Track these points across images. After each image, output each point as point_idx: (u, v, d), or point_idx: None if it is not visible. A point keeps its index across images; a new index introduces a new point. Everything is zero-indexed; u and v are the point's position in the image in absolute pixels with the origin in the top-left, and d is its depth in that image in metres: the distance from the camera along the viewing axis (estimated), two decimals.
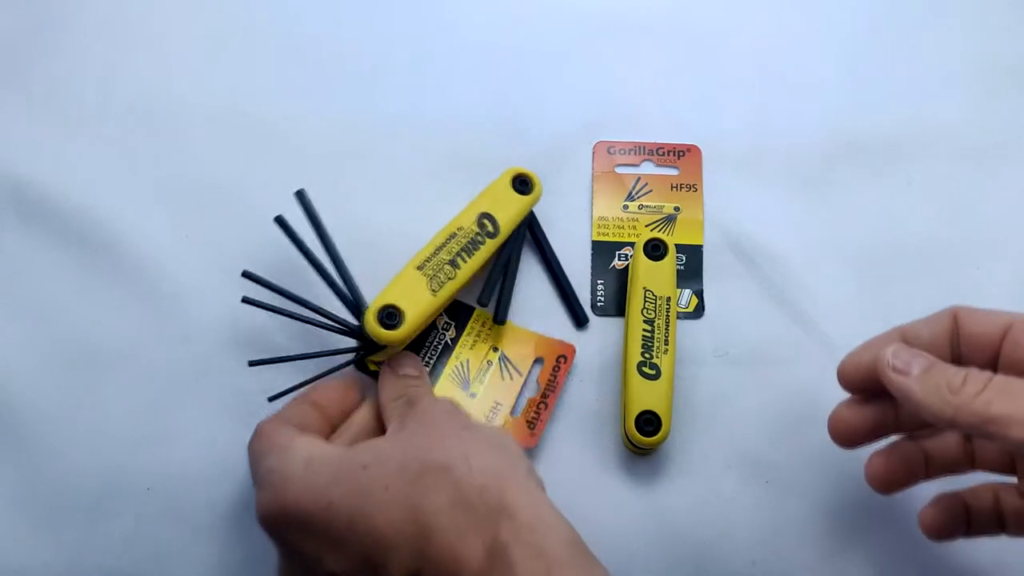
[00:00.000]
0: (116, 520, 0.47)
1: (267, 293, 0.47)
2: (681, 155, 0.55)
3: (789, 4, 0.60)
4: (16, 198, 0.52)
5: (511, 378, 0.50)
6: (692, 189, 0.55)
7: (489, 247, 0.49)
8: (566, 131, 0.56)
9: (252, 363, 0.47)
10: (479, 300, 0.50)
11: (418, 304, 0.46)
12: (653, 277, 0.50)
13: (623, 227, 0.54)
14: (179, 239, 0.52)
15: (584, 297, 0.53)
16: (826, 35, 0.59)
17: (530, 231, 0.53)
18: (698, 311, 0.52)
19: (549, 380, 0.50)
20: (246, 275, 0.47)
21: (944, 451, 0.43)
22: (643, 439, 0.46)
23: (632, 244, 0.53)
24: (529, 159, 0.54)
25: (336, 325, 0.47)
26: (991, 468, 0.43)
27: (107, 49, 0.56)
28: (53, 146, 0.54)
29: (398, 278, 0.47)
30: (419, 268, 0.47)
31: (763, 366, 0.51)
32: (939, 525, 0.43)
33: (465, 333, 0.51)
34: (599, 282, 0.53)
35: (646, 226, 0.53)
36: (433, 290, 0.47)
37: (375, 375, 0.49)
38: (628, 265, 0.53)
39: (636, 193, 0.54)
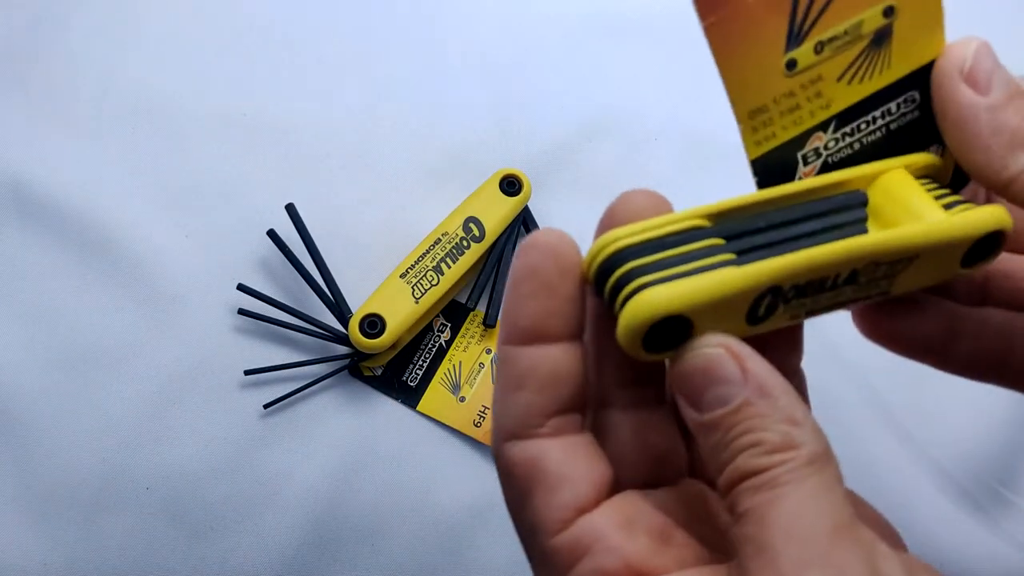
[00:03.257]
0: (115, 520, 0.47)
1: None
2: None
3: None
4: (16, 198, 0.52)
5: None
6: None
7: (475, 251, 0.49)
8: (564, 131, 0.56)
9: (248, 372, 0.48)
10: (467, 302, 0.50)
11: (400, 312, 0.47)
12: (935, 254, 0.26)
13: (799, 105, 0.27)
14: (179, 239, 0.52)
15: None
16: None
17: (526, 230, 0.53)
18: None
19: None
20: (241, 288, 0.49)
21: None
22: None
23: (825, 123, 0.28)
24: (528, 160, 0.55)
25: (327, 333, 0.48)
26: (974, 363, 0.31)
27: (107, 49, 0.57)
28: (53, 146, 0.54)
29: (382, 286, 0.48)
30: (402, 276, 0.48)
31: None
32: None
33: (460, 335, 0.51)
34: None
35: (838, 80, 0.27)
36: (416, 298, 0.47)
37: (369, 380, 0.49)
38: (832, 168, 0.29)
39: (805, 22, 0.26)
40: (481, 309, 0.51)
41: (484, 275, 0.50)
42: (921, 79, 0.28)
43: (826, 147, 0.28)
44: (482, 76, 0.58)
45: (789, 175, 0.28)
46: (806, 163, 0.28)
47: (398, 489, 0.48)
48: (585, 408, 0.26)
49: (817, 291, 0.25)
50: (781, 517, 0.22)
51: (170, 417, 0.49)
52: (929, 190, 0.27)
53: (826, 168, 0.28)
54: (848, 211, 0.27)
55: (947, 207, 0.26)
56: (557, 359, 0.25)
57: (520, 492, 0.25)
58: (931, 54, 0.28)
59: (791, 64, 0.26)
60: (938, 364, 0.31)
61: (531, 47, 0.59)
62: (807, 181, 0.27)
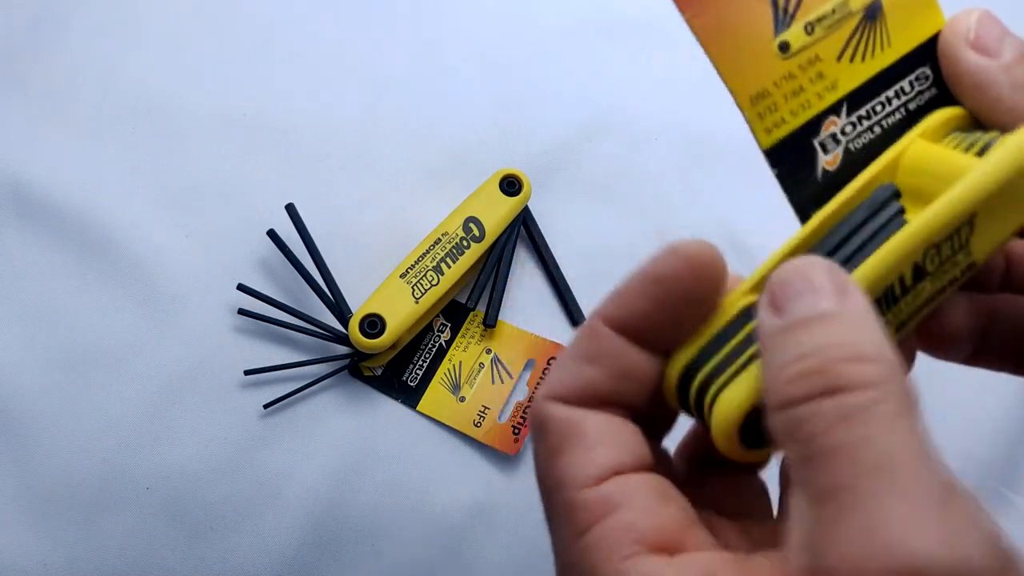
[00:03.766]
0: (115, 519, 0.47)
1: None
2: None
3: None
4: (16, 198, 0.52)
5: (501, 381, 0.50)
6: None
7: (475, 251, 0.49)
8: (564, 131, 0.56)
9: (248, 372, 0.48)
10: (467, 302, 0.50)
11: (400, 312, 0.47)
12: (1001, 197, 0.25)
13: (803, 88, 0.27)
14: (179, 239, 0.52)
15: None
16: None
17: (526, 230, 0.54)
18: None
19: (538, 383, 0.50)
20: (241, 288, 0.49)
21: None
22: None
23: (835, 106, 0.27)
24: (528, 160, 0.55)
25: (327, 333, 0.48)
26: (1004, 353, 0.30)
27: (107, 49, 0.56)
28: (53, 146, 0.54)
29: (382, 286, 0.48)
30: (402, 276, 0.48)
31: None
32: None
33: (460, 335, 0.51)
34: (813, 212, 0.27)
35: (838, 59, 0.27)
36: (416, 298, 0.47)
37: (369, 380, 0.49)
38: (857, 155, 0.28)
39: (788, 6, 0.26)
40: (481, 309, 0.51)
41: (484, 275, 0.50)
42: (929, 54, 0.28)
43: (843, 132, 0.27)
44: (482, 76, 0.58)
45: (809, 165, 0.27)
46: (826, 151, 0.27)
47: (398, 489, 0.48)
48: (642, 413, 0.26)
49: (890, 303, 0.24)
50: (863, 474, 0.19)
51: (170, 417, 0.49)
52: (956, 145, 0.26)
53: (848, 156, 0.27)
54: (882, 211, 0.26)
55: (981, 152, 0.25)
56: (639, 360, 0.25)
57: (554, 446, 0.24)
58: (931, 28, 0.27)
59: (784, 46, 0.26)
60: (972, 360, 0.30)
61: (531, 47, 0.59)
62: (832, 203, 0.26)
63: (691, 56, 0.27)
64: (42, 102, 0.55)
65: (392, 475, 0.48)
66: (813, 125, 0.27)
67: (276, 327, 0.50)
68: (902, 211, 0.26)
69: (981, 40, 0.26)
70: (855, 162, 0.28)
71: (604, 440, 0.24)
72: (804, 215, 0.27)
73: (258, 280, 0.51)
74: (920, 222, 0.24)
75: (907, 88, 0.28)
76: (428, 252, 0.49)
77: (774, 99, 0.27)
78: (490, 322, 0.50)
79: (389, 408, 0.50)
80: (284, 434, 0.49)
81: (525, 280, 0.53)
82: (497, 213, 0.50)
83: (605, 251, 0.54)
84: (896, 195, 0.26)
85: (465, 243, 0.49)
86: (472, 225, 0.50)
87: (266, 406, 0.48)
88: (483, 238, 0.50)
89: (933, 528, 0.19)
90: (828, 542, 0.20)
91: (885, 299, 0.24)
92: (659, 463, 0.25)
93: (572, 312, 0.52)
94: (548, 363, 0.50)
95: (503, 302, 0.52)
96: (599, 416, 0.25)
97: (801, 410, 0.21)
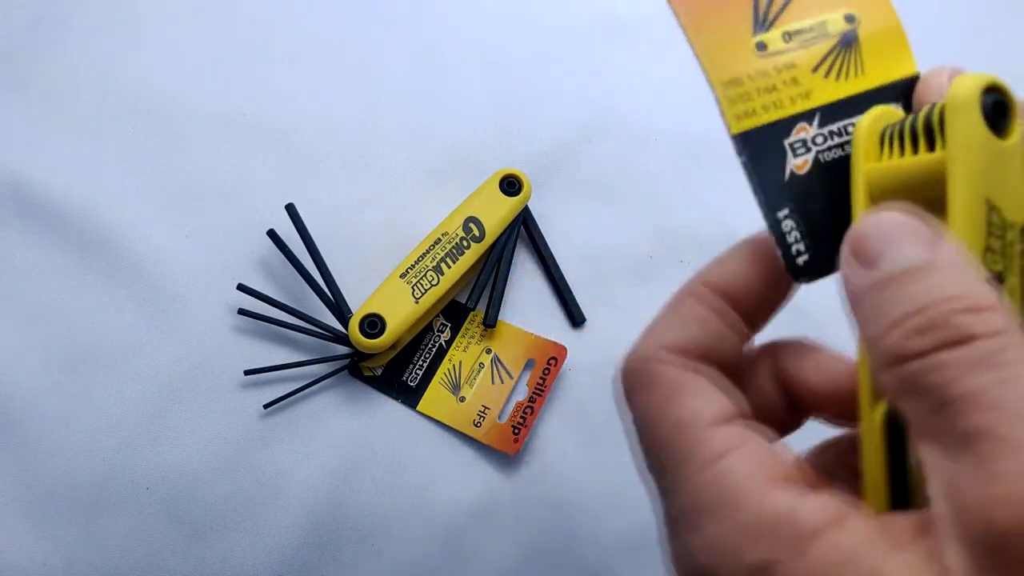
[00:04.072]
0: (115, 520, 0.47)
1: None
2: None
3: None
4: (16, 198, 0.52)
5: (501, 381, 0.50)
6: None
7: (475, 251, 0.49)
8: (564, 131, 0.56)
9: (248, 372, 0.48)
10: (467, 302, 0.50)
11: (400, 312, 0.47)
12: (995, 168, 0.24)
13: (776, 87, 0.28)
14: (179, 239, 0.52)
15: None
16: None
17: (526, 230, 0.54)
18: None
19: (538, 383, 0.50)
20: (241, 288, 0.49)
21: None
22: None
23: (808, 114, 0.28)
24: (528, 160, 0.55)
25: (327, 333, 0.48)
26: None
27: (107, 49, 0.57)
28: (53, 146, 0.54)
29: (382, 286, 0.48)
30: (402, 276, 0.48)
31: None
32: None
33: (460, 335, 0.51)
34: (781, 214, 0.27)
35: (813, 71, 0.28)
36: (416, 298, 0.47)
37: (369, 380, 0.49)
38: (839, 161, 0.28)
39: (768, 13, 0.28)
40: (481, 309, 0.51)
41: (484, 275, 0.50)
42: (902, 93, 0.28)
43: (814, 141, 0.28)
44: (482, 76, 0.58)
45: (779, 163, 0.27)
46: (795, 154, 0.27)
47: (398, 489, 0.48)
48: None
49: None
50: (1020, 408, 0.19)
51: (170, 417, 0.49)
52: (900, 139, 0.26)
53: (818, 166, 0.28)
54: None
55: (926, 128, 0.25)
56: (735, 324, 0.27)
57: (669, 391, 0.25)
58: (903, 72, 0.28)
59: (761, 46, 0.27)
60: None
61: (531, 47, 0.59)
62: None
63: (691, 56, 0.27)
64: (42, 102, 0.55)
65: (392, 475, 0.48)
66: (785, 126, 0.27)
67: (276, 327, 0.50)
68: None
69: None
70: (826, 173, 0.27)
71: (722, 389, 0.25)
72: (771, 215, 0.27)
73: (258, 280, 0.51)
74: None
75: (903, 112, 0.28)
76: (428, 252, 0.49)
77: (747, 89, 0.27)
78: (490, 322, 0.50)
79: (389, 408, 0.50)
80: (284, 434, 0.49)
81: (525, 280, 0.53)
82: (497, 213, 0.50)
83: (605, 251, 0.54)
84: None
85: (465, 243, 0.49)
86: (472, 225, 0.50)
87: (266, 406, 0.48)
88: (483, 238, 0.50)
89: None
90: (978, 487, 0.19)
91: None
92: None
93: (572, 312, 0.52)
94: (548, 363, 0.50)
95: (503, 302, 0.52)
96: (711, 370, 0.26)
97: (927, 361, 0.20)
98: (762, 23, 0.27)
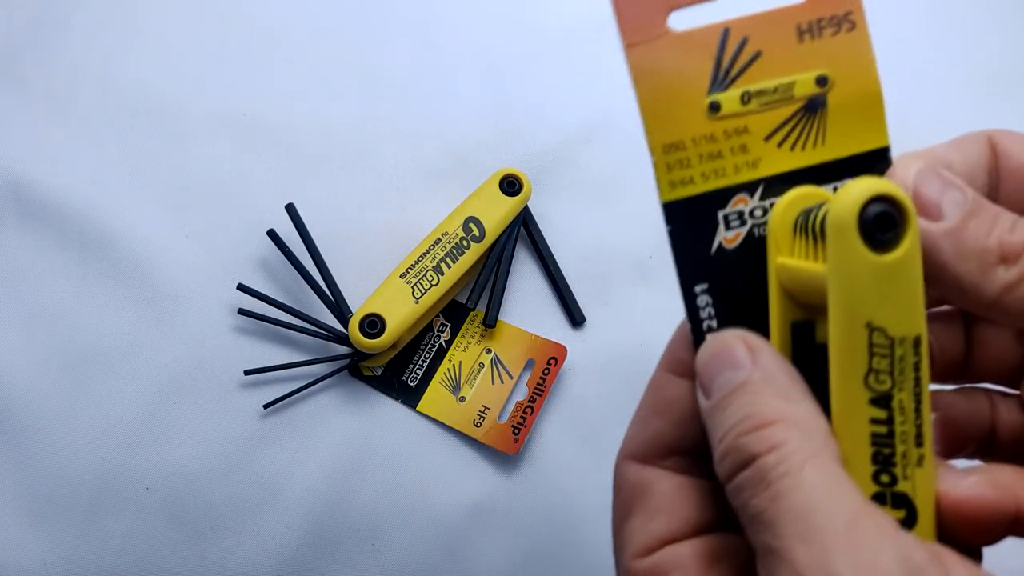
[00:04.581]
0: (115, 519, 0.47)
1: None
2: None
3: (787, 4, 0.60)
4: (16, 198, 0.52)
5: (501, 381, 0.50)
6: (848, 24, 0.26)
7: (475, 251, 0.49)
8: (564, 131, 0.56)
9: (248, 372, 0.48)
10: (467, 302, 0.50)
11: (400, 312, 0.47)
12: (879, 287, 0.23)
13: (721, 154, 0.26)
14: (179, 239, 0.52)
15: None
16: None
17: (526, 230, 0.54)
18: None
19: (538, 383, 0.50)
20: (241, 288, 0.49)
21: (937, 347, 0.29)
22: None
23: (751, 185, 0.26)
24: (528, 160, 0.55)
25: (327, 333, 0.48)
26: (989, 374, 0.29)
27: (107, 49, 0.57)
28: (53, 146, 0.54)
29: (382, 286, 0.48)
30: (402, 276, 0.48)
31: None
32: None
33: (460, 335, 0.51)
34: (699, 288, 0.26)
35: (766, 139, 0.26)
36: (416, 298, 0.48)
37: (369, 380, 0.49)
38: (766, 240, 0.26)
39: (731, 70, 0.26)
40: (481, 309, 0.51)
41: (484, 275, 0.51)
42: (864, 168, 0.26)
43: (752, 214, 0.26)
44: (482, 76, 0.58)
45: (707, 236, 0.26)
46: (728, 227, 0.26)
47: (398, 489, 0.48)
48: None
49: (890, 441, 0.23)
50: (792, 521, 0.21)
51: (170, 417, 0.49)
52: (803, 238, 0.25)
53: (751, 240, 0.26)
54: (805, 346, 0.26)
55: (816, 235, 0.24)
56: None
57: (624, 510, 0.26)
58: (872, 143, 0.26)
59: (714, 106, 0.25)
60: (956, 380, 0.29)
61: (531, 47, 0.59)
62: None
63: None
64: (42, 102, 0.55)
65: (392, 475, 0.48)
66: (722, 196, 0.26)
67: (276, 327, 0.50)
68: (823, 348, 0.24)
69: (920, 199, 0.24)
70: (756, 248, 0.26)
71: (664, 506, 0.25)
72: (687, 288, 0.26)
73: (258, 280, 0.51)
74: (834, 374, 0.23)
75: (831, 194, 0.26)
76: (428, 252, 0.49)
77: (688, 155, 0.25)
78: (490, 322, 0.50)
79: (389, 408, 0.50)
80: (284, 434, 0.49)
81: (525, 280, 0.53)
82: (497, 213, 0.50)
83: (605, 251, 0.54)
84: (808, 324, 0.25)
85: (465, 243, 0.49)
86: (472, 225, 0.50)
87: (266, 406, 0.48)
88: (483, 238, 0.50)
89: (840, 563, 0.20)
90: None
91: (880, 447, 0.23)
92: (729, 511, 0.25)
93: (572, 312, 0.52)
94: (548, 363, 0.50)
95: (503, 302, 0.52)
96: (667, 479, 0.26)
97: (729, 487, 0.23)
98: (721, 81, 0.25)
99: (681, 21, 0.25)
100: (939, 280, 0.24)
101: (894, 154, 0.26)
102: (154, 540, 0.47)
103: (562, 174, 0.55)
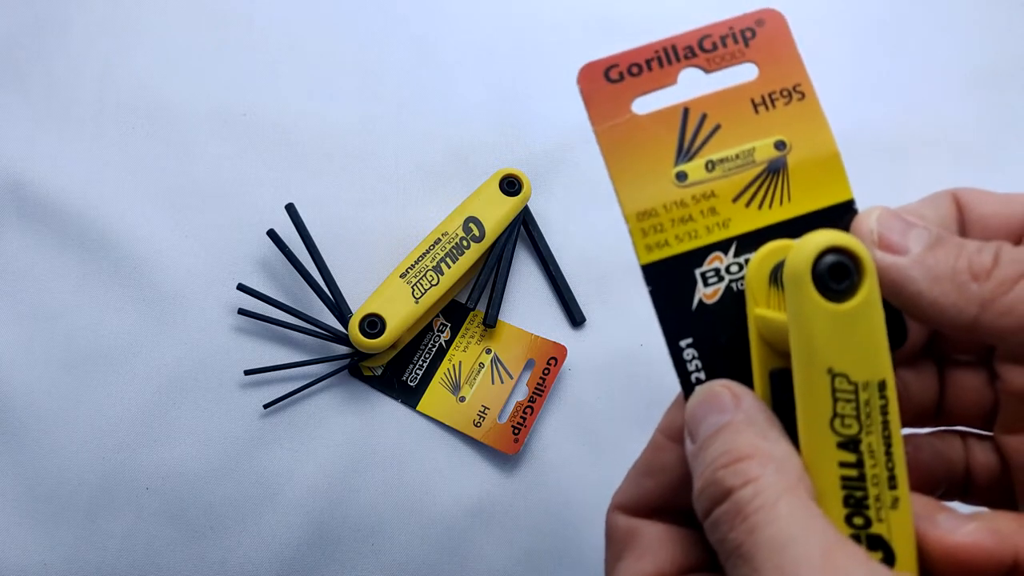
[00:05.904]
0: (115, 519, 0.47)
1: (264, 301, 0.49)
2: (750, 37, 0.29)
3: (786, 4, 0.60)
4: (16, 198, 0.52)
5: (501, 381, 0.50)
6: (798, 95, 0.28)
7: (475, 251, 0.49)
8: (564, 131, 0.56)
9: (248, 372, 0.48)
10: (467, 302, 0.50)
11: (400, 312, 0.47)
12: (837, 335, 0.24)
13: (692, 217, 0.28)
14: (179, 239, 0.52)
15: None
16: (822, 35, 0.59)
17: (526, 230, 0.54)
18: None
19: (538, 383, 0.50)
20: (241, 288, 0.49)
21: (912, 390, 0.29)
22: None
23: (724, 244, 0.28)
24: (528, 160, 0.55)
25: (327, 333, 0.48)
26: (963, 417, 0.30)
27: (107, 49, 0.56)
28: (53, 146, 0.54)
29: (382, 286, 0.48)
30: (402, 276, 0.48)
31: None
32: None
33: (460, 335, 0.51)
34: (683, 343, 0.28)
35: (734, 200, 0.28)
36: (416, 298, 0.48)
37: (369, 380, 0.49)
38: (744, 295, 0.28)
39: (694, 143, 0.28)
40: (481, 309, 0.51)
41: (484, 275, 0.51)
42: (830, 221, 0.27)
43: (728, 270, 0.28)
44: (482, 76, 0.58)
45: (687, 293, 0.28)
46: (707, 283, 0.28)
47: (398, 489, 0.48)
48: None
49: (861, 484, 0.24)
50: (770, 554, 0.21)
51: (170, 417, 0.49)
52: (775, 289, 0.26)
53: (730, 294, 0.28)
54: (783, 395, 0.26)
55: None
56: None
57: (615, 555, 0.28)
58: (835, 198, 0.28)
59: (681, 176, 0.27)
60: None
61: (531, 47, 0.59)
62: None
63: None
64: (42, 102, 0.55)
65: (392, 475, 0.48)
66: (697, 256, 0.27)
67: (276, 327, 0.50)
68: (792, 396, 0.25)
69: (885, 239, 0.26)
70: (736, 302, 0.28)
71: (652, 548, 0.27)
72: (673, 343, 0.27)
73: (258, 280, 0.51)
74: (800, 419, 0.24)
75: None
76: (428, 252, 0.49)
77: (661, 220, 0.27)
78: (490, 322, 0.50)
79: (389, 408, 0.50)
80: (284, 434, 0.49)
81: (525, 280, 0.53)
82: (497, 213, 0.50)
83: (605, 251, 0.54)
84: (786, 372, 0.26)
85: (465, 243, 0.49)
86: (472, 225, 0.50)
87: (266, 406, 0.48)
88: (483, 238, 0.50)
89: None
90: None
91: (852, 489, 0.24)
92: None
93: (572, 312, 0.52)
94: (548, 363, 0.50)
95: (503, 302, 0.52)
96: (654, 526, 0.27)
97: (707, 522, 0.23)
98: (686, 152, 0.27)
99: (645, 105, 0.28)
100: (917, 309, 0.25)
101: (860, 207, 0.27)
102: (154, 540, 0.47)
103: (562, 174, 0.55)
